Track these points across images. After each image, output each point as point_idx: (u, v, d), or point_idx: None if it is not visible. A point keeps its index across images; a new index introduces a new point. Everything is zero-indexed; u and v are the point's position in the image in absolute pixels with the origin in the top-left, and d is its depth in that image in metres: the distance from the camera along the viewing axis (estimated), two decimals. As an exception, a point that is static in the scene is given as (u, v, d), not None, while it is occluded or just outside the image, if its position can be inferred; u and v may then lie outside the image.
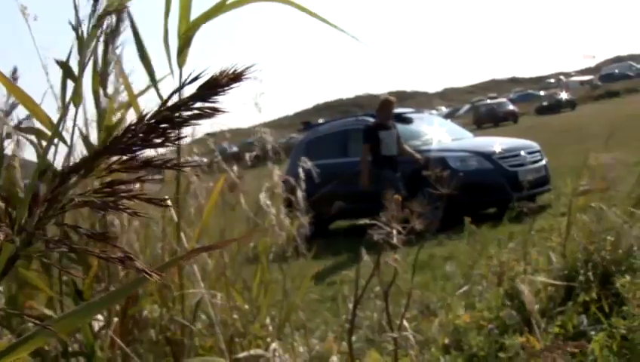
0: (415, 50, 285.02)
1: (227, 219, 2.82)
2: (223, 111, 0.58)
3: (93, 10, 1.65)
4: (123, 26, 1.98)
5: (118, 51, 2.01)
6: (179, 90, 0.60)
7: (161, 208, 2.35)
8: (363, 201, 7.59)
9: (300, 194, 2.96)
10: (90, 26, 1.64)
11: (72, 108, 1.83)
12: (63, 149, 1.88)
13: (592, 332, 2.68)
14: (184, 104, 0.58)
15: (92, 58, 1.91)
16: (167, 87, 2.02)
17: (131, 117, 2.10)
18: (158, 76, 2.08)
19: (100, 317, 1.96)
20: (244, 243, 2.66)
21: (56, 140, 1.83)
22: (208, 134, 3.38)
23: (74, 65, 1.77)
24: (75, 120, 1.85)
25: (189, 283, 2.26)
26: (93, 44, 1.79)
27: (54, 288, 1.87)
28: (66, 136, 1.88)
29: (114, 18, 1.94)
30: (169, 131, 0.58)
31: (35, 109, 1.78)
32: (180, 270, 2.18)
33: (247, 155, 3.20)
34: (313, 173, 3.23)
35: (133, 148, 0.57)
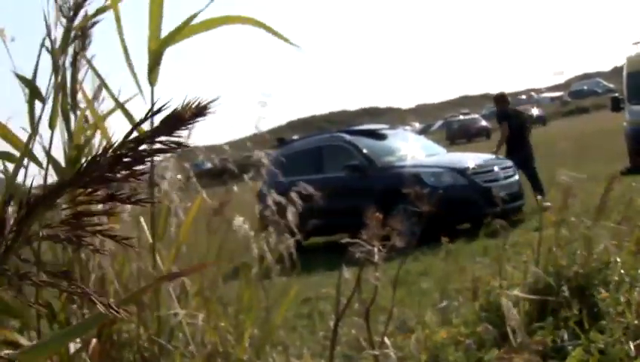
0: (388, 66, 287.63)
1: (211, 239, 2.80)
2: (186, 146, 0.56)
3: (67, 30, 1.63)
4: (88, 42, 1.94)
5: (82, 71, 1.98)
6: (140, 123, 0.56)
7: (136, 229, 2.32)
8: (340, 217, 7.60)
9: (291, 215, 2.94)
10: (59, 44, 1.62)
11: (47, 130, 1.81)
12: (33, 172, 1.85)
13: (570, 347, 2.69)
14: (147, 138, 0.55)
15: (60, 76, 1.87)
16: (140, 105, 1.98)
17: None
18: (129, 94, 2.01)
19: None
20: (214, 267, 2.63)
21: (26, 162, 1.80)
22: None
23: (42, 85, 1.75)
24: (50, 141, 1.82)
25: (168, 302, 2.23)
26: (61, 61, 1.77)
27: (28, 311, 1.83)
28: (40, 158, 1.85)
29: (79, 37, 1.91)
30: (133, 164, 0.55)
31: (3, 131, 1.75)
32: (157, 290, 2.15)
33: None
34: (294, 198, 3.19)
35: (98, 181, 0.54)
